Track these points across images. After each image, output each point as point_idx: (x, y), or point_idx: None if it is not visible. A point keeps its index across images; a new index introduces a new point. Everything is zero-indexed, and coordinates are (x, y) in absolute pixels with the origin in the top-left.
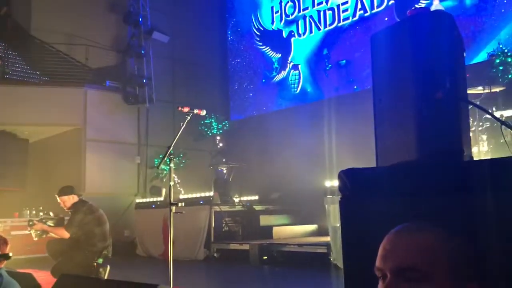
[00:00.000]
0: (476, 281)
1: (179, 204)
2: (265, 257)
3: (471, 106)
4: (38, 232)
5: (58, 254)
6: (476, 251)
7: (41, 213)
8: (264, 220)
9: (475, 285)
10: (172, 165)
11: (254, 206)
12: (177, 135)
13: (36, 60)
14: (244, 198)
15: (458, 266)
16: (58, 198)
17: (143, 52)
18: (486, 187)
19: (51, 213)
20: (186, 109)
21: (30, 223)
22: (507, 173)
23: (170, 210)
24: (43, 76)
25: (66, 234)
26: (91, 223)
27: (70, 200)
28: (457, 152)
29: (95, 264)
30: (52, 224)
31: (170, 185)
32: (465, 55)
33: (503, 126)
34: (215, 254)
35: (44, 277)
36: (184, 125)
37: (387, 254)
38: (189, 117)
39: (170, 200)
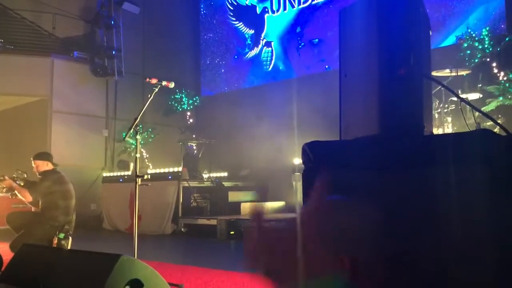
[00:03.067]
0: (352, 254)
1: (145, 177)
2: (232, 232)
3: (437, 88)
4: (5, 188)
5: (18, 226)
6: (424, 221)
7: (15, 172)
8: (233, 196)
9: (346, 259)
10: (138, 137)
11: (223, 183)
12: (144, 107)
13: (0, 27)
14: (213, 175)
15: (330, 240)
16: (32, 162)
17: (112, 23)
18: (445, 160)
19: (25, 175)
20: (154, 81)
21: (1, 178)
22: (464, 147)
23: (136, 182)
24: (7, 44)
25: (29, 197)
26: (56, 194)
27: (43, 166)
28: (418, 127)
29: (55, 239)
30: (21, 184)
31: (136, 158)
32: (431, 33)
33: (464, 106)
34: (182, 229)
35: (5, 249)
36: (152, 97)
37: None
38: (156, 89)
39: (136, 172)
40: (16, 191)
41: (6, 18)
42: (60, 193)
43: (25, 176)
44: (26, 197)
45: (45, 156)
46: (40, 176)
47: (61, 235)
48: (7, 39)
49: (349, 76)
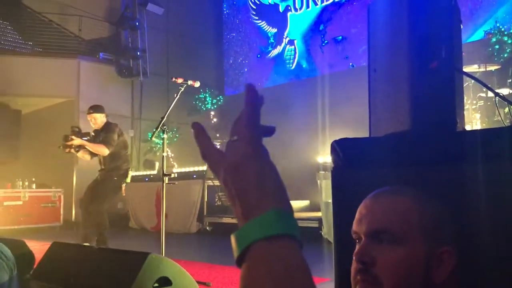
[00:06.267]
0: (451, 244)
1: (172, 175)
2: None
3: (465, 84)
4: (76, 147)
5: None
6: (458, 218)
7: (71, 129)
8: None
9: (451, 248)
10: (165, 136)
11: None
12: (170, 106)
13: (28, 30)
14: None
15: (432, 230)
16: (89, 116)
17: (137, 24)
18: (479, 156)
19: (79, 128)
20: (180, 80)
21: (67, 138)
22: (499, 143)
23: (163, 181)
24: (35, 46)
25: (105, 151)
26: (120, 145)
27: (101, 118)
28: (451, 122)
29: (123, 185)
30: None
31: (163, 156)
32: (462, 26)
33: (498, 101)
34: (207, 228)
35: (36, 246)
36: (178, 96)
37: (362, 217)
38: (183, 88)
39: (163, 171)
40: (89, 148)
41: (34, 21)
42: (122, 143)
43: (79, 129)
44: (102, 151)
45: (101, 108)
46: (104, 129)
47: (128, 180)
48: (36, 41)
49: (379, 71)
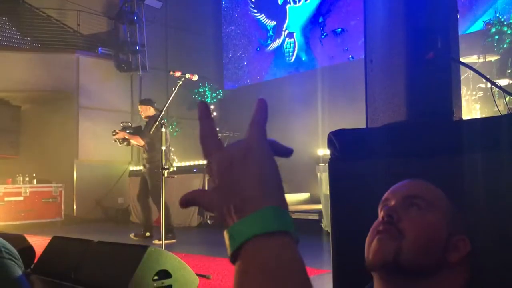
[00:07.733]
0: (463, 234)
1: (171, 169)
2: None
3: (465, 75)
4: (121, 139)
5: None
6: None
7: (121, 124)
8: None
9: (462, 237)
10: (163, 130)
11: None
12: (169, 99)
13: (27, 25)
14: None
15: (451, 219)
16: (139, 107)
17: (135, 18)
18: (475, 145)
19: (129, 123)
20: (177, 74)
21: (114, 132)
22: (496, 131)
23: (162, 174)
24: (34, 42)
25: (141, 142)
26: (155, 138)
27: (147, 110)
28: (447, 112)
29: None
30: (131, 132)
31: (162, 150)
32: (458, 16)
33: (495, 91)
34: (208, 221)
35: (37, 241)
36: (176, 89)
37: (397, 188)
38: (181, 82)
39: (162, 165)
40: (130, 139)
41: (32, 17)
42: (158, 137)
43: (130, 124)
44: (139, 142)
45: (147, 101)
46: (146, 121)
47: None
48: (34, 37)
49: (375, 61)
